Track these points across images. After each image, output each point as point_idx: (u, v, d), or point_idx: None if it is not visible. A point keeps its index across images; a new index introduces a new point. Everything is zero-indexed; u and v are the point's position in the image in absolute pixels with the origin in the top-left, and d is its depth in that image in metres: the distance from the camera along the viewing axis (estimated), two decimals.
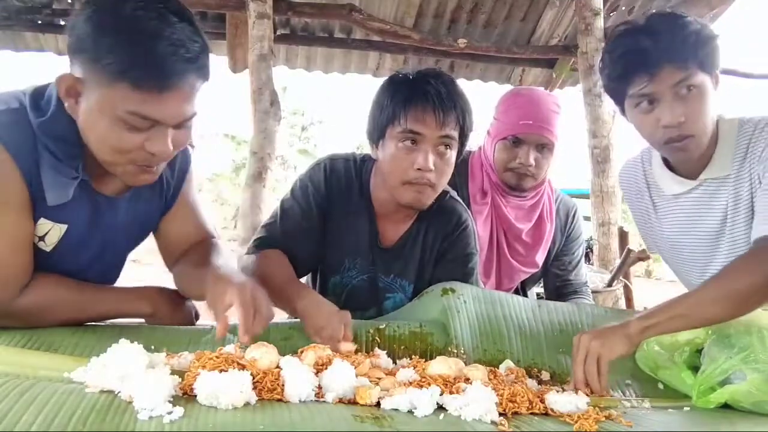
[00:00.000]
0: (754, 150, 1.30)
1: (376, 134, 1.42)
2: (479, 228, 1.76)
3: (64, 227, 1.13)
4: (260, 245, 1.46)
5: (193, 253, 1.30)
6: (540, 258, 1.88)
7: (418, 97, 1.35)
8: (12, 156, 1.03)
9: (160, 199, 1.29)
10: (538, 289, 2.11)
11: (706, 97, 1.28)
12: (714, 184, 1.36)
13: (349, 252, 1.50)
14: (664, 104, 1.27)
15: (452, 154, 1.40)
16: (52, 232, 1.12)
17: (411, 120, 1.34)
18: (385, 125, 1.39)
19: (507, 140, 1.74)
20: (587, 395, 1.07)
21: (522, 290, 1.97)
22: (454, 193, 1.59)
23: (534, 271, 1.90)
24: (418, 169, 1.34)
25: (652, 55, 1.25)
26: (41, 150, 1.05)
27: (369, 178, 1.51)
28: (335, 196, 1.48)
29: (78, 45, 1.01)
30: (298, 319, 1.25)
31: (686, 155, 1.34)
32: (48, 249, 1.13)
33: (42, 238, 1.12)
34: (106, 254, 1.25)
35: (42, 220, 1.11)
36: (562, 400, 1.04)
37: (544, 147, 1.74)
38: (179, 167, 1.31)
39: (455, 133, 1.37)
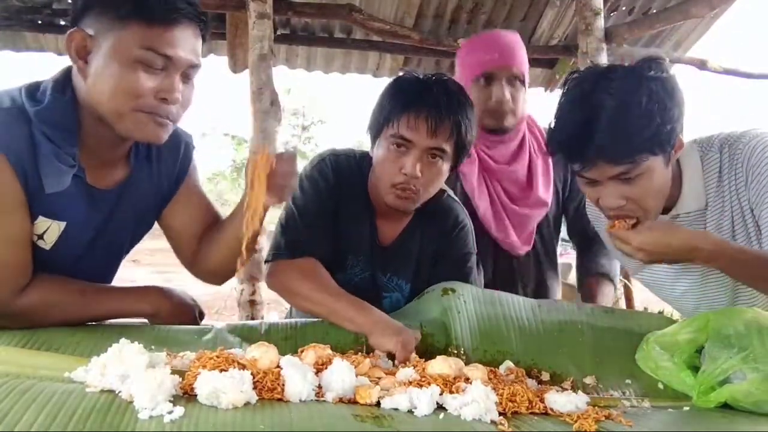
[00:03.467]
0: (731, 177, 1.25)
1: (374, 132, 1.43)
2: (475, 190, 1.77)
3: (63, 224, 1.14)
4: (286, 251, 1.40)
5: (210, 230, 1.32)
6: (544, 195, 1.84)
7: (414, 103, 1.34)
8: (5, 156, 1.04)
9: (157, 191, 1.29)
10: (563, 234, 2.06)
11: (653, 180, 1.20)
12: (687, 218, 1.32)
13: (353, 249, 1.49)
14: (604, 188, 1.21)
15: (443, 165, 1.38)
16: (51, 230, 1.13)
17: (403, 125, 1.34)
18: (381, 125, 1.39)
19: (478, 81, 1.73)
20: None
21: (542, 240, 1.91)
22: (451, 193, 1.59)
23: (544, 210, 1.86)
24: (405, 174, 1.34)
25: (584, 152, 1.17)
26: (39, 138, 1.07)
27: (368, 175, 1.50)
28: (341, 191, 1.47)
29: (86, 3, 1.09)
30: (300, 320, 1.25)
31: (635, 228, 1.27)
32: (47, 247, 1.13)
33: (41, 237, 1.12)
34: (105, 249, 1.25)
35: (40, 218, 1.11)
36: (561, 400, 1.04)
37: (515, 80, 1.73)
38: (181, 158, 1.32)
39: (448, 146, 1.35)
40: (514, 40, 1.77)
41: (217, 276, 1.35)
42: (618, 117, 1.14)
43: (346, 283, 1.51)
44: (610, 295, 1.83)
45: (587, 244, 1.91)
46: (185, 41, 1.10)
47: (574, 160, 1.21)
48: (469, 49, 1.81)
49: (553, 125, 1.26)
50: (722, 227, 1.29)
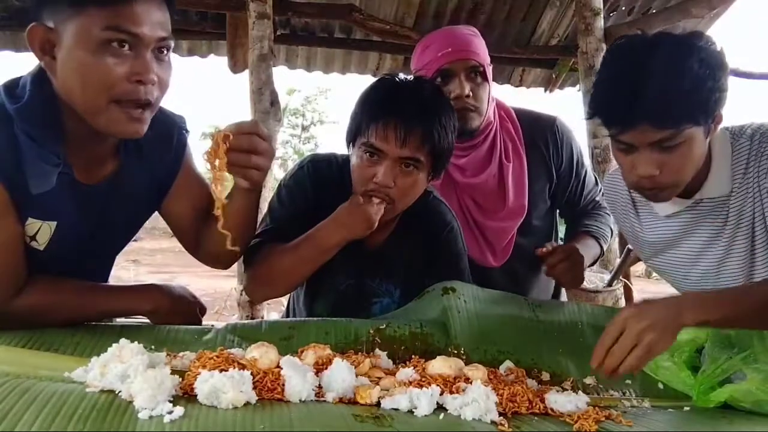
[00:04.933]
0: (756, 165, 1.24)
1: (348, 139, 1.42)
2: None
3: (53, 224, 1.12)
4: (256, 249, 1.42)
5: (209, 214, 1.27)
6: (518, 202, 1.72)
7: (384, 112, 1.31)
8: None
9: (151, 182, 1.26)
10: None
11: (691, 151, 1.17)
12: (710, 204, 1.30)
13: (337, 255, 1.46)
14: (640, 155, 1.18)
15: (419, 175, 1.35)
16: (43, 231, 1.11)
17: (372, 134, 1.31)
18: (354, 133, 1.38)
19: (434, 79, 1.58)
20: (595, 382, 1.03)
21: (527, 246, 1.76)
22: (437, 194, 1.57)
23: (519, 219, 1.74)
24: (376, 183, 1.32)
25: (630, 111, 1.13)
26: (21, 138, 1.03)
27: (350, 179, 1.47)
28: (319, 197, 1.46)
29: None
30: (300, 320, 1.24)
31: (657, 201, 1.29)
32: (41, 248, 1.12)
33: (33, 238, 1.11)
34: (100, 245, 1.23)
35: (30, 220, 1.09)
36: (561, 400, 1.04)
37: (475, 73, 1.59)
38: (175, 145, 1.29)
39: (421, 154, 1.32)
40: (470, 32, 1.65)
41: (219, 260, 1.34)
42: (668, 80, 1.11)
43: (331, 290, 1.50)
44: (592, 249, 1.72)
45: (577, 219, 1.85)
46: (149, 14, 1.03)
47: (616, 122, 1.18)
48: (421, 50, 1.66)
49: (595, 87, 1.23)
50: (743, 216, 1.27)
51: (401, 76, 1.43)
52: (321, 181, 1.48)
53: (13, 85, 1.08)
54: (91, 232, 1.19)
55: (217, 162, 1.06)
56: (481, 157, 1.70)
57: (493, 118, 1.71)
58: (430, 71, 1.60)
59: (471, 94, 1.58)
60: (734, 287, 1.15)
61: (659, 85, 1.11)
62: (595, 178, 1.91)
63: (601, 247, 1.76)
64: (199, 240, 1.33)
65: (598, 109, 1.21)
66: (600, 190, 1.86)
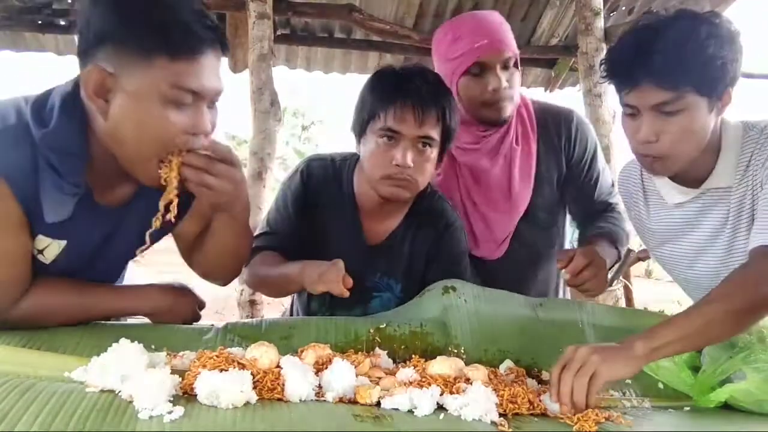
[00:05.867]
0: (758, 157, 1.25)
1: (358, 129, 1.43)
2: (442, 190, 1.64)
3: (63, 243, 1.11)
4: (254, 254, 1.46)
5: (204, 232, 1.29)
6: (525, 191, 1.68)
7: (399, 94, 1.35)
8: (5, 178, 1.00)
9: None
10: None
11: (692, 121, 1.18)
12: (716, 194, 1.31)
13: (334, 252, 1.46)
14: (643, 119, 1.21)
15: (433, 152, 1.39)
16: (51, 248, 1.11)
17: (390, 118, 1.35)
18: (366, 121, 1.40)
19: (469, 73, 1.56)
20: (562, 413, 1.00)
21: (530, 237, 1.73)
22: (442, 194, 1.58)
23: (522, 208, 1.69)
24: (397, 165, 1.35)
25: (635, 70, 1.17)
26: (42, 166, 1.02)
27: (351, 176, 1.51)
28: (316, 198, 1.49)
29: (101, 35, 1.00)
30: (300, 319, 1.25)
31: (653, 173, 1.31)
32: (47, 262, 1.12)
33: (41, 252, 1.10)
34: (106, 263, 1.23)
35: (40, 237, 1.09)
36: (555, 406, 1.03)
37: (510, 64, 1.58)
38: None
39: (435, 133, 1.37)
40: (499, 20, 1.63)
41: (214, 277, 1.36)
42: (674, 42, 1.14)
43: None
44: (609, 251, 1.58)
45: (589, 220, 1.74)
46: (212, 68, 1.05)
47: (623, 79, 1.21)
48: (452, 38, 1.60)
49: (609, 50, 1.27)
50: (743, 207, 1.28)
51: (399, 66, 1.45)
52: (316, 182, 1.50)
53: (41, 105, 1.05)
54: (98, 250, 1.19)
55: (166, 171, 1.06)
56: (495, 142, 1.68)
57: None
58: (466, 63, 1.56)
59: (507, 85, 1.57)
60: (679, 313, 1.15)
61: (663, 45, 1.14)
62: (613, 182, 1.80)
63: (618, 250, 1.65)
64: (194, 257, 1.34)
65: (608, 68, 1.24)
66: (616, 194, 1.72)
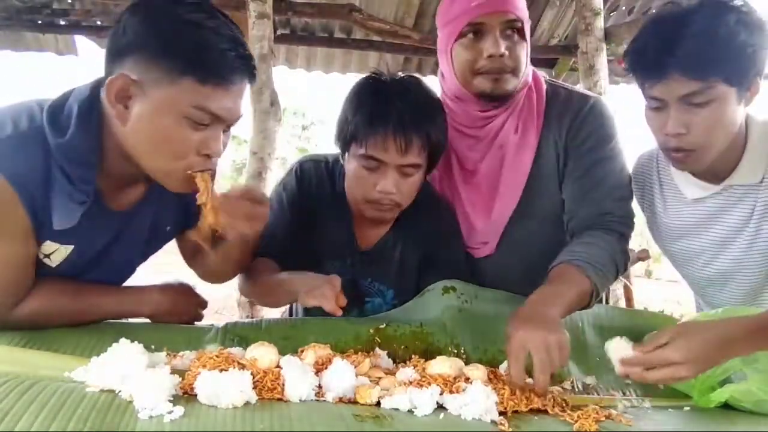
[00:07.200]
0: None
1: (341, 145, 1.39)
2: (435, 182, 1.54)
3: (70, 247, 1.11)
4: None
5: None
6: (515, 188, 1.46)
7: (380, 122, 1.27)
8: (13, 185, 0.99)
9: (177, 207, 1.26)
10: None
11: (722, 112, 1.15)
12: (740, 191, 1.28)
13: (328, 254, 1.47)
14: (670, 111, 1.17)
15: (418, 173, 1.35)
16: (58, 252, 1.11)
17: (371, 146, 1.29)
18: (348, 141, 1.34)
19: (464, 36, 1.36)
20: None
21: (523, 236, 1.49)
22: (437, 194, 1.53)
23: (513, 204, 1.47)
24: (380, 192, 1.31)
25: (662, 61, 1.13)
26: (54, 172, 1.01)
27: (343, 179, 1.45)
28: (309, 199, 1.47)
29: (134, 44, 1.00)
30: (300, 319, 1.25)
31: (683, 167, 1.28)
32: (53, 265, 1.12)
33: (47, 256, 1.10)
34: (111, 266, 1.23)
35: (48, 242, 1.08)
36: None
37: (512, 30, 1.35)
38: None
39: (420, 159, 1.31)
40: None
41: (214, 280, 1.40)
42: (703, 31, 1.11)
43: None
44: (574, 284, 1.24)
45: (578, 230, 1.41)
46: (236, 97, 1.06)
47: (649, 72, 1.18)
48: (449, 1, 1.41)
49: (632, 42, 1.23)
50: None
51: (386, 75, 1.37)
52: (310, 182, 1.48)
53: (58, 109, 1.04)
54: (105, 255, 1.19)
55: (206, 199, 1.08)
56: (494, 131, 1.46)
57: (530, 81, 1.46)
58: (459, 25, 1.35)
59: (507, 53, 1.34)
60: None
61: (691, 34, 1.11)
62: (629, 192, 1.44)
63: (591, 281, 1.25)
64: (195, 257, 1.37)
65: (632, 61, 1.21)
66: (626, 205, 1.42)
